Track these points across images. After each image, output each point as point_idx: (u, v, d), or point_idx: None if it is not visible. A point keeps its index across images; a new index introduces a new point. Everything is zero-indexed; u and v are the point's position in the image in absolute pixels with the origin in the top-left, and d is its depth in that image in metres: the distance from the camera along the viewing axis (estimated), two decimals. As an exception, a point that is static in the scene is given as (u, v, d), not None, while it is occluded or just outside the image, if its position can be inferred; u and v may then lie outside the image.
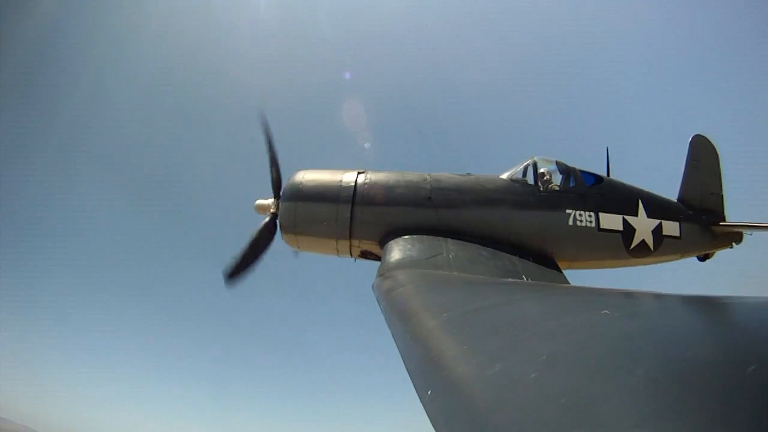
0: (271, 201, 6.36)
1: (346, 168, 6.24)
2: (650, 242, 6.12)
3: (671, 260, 6.71)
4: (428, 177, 6.04)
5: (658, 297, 2.03)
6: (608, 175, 6.55)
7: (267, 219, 6.33)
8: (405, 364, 2.04)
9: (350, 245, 5.84)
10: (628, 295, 2.13)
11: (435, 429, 1.41)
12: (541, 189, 6.03)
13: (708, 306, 1.77)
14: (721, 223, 6.99)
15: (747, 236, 6.99)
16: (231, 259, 6.13)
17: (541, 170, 6.21)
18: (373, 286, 4.23)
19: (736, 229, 6.97)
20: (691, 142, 7.65)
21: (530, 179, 6.13)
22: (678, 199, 7.11)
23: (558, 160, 6.33)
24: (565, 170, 6.23)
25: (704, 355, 1.25)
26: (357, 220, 5.72)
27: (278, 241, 6.32)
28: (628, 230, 5.99)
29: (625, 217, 6.02)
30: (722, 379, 1.08)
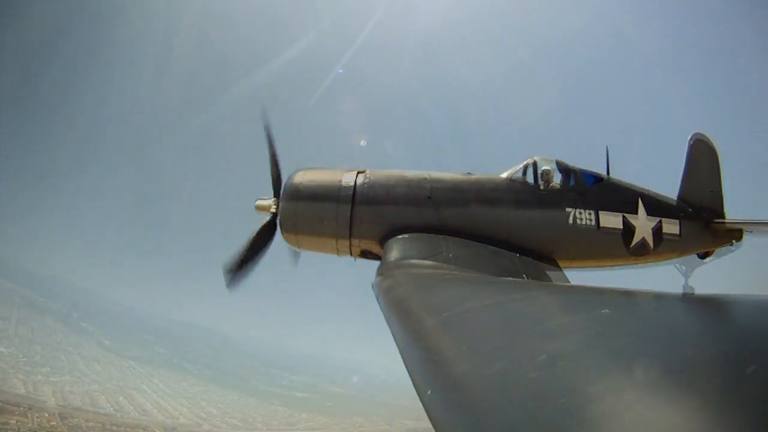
0: (271, 200, 6.36)
1: (346, 167, 6.24)
2: (650, 241, 6.12)
3: (671, 259, 6.72)
4: (428, 176, 6.03)
5: (659, 296, 2.03)
6: (608, 174, 6.54)
7: (267, 218, 6.33)
8: (405, 362, 2.04)
9: (350, 244, 5.84)
10: (628, 294, 2.13)
11: (435, 428, 1.40)
12: (541, 188, 6.02)
13: (708, 305, 1.77)
14: (720, 221, 7.00)
15: (747, 234, 6.99)
16: (230, 260, 6.13)
17: (541, 169, 6.19)
18: (372, 285, 4.24)
19: (736, 227, 6.98)
20: (690, 140, 7.65)
21: (530, 178, 6.12)
22: (678, 198, 7.11)
23: (558, 159, 6.32)
24: (565, 169, 6.23)
25: (705, 354, 1.25)
26: (357, 219, 5.72)
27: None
28: (628, 229, 5.99)
29: (625, 215, 6.02)
30: (723, 378, 1.08)
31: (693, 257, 6.99)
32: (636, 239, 6.03)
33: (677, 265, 6.85)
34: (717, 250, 7.09)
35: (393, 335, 2.52)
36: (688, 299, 1.87)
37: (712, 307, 1.75)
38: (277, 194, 6.29)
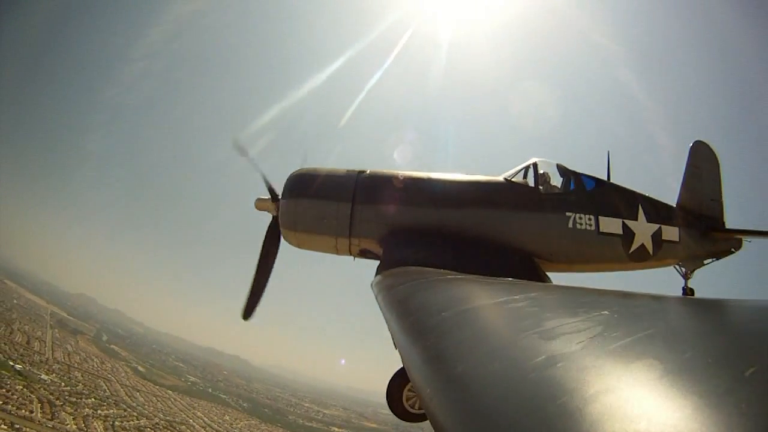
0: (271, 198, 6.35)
1: (347, 167, 6.25)
2: (649, 247, 6.12)
3: (670, 265, 6.72)
4: (428, 177, 6.04)
5: (658, 299, 2.04)
6: (608, 179, 6.54)
7: (270, 222, 6.37)
8: (404, 362, 2.04)
9: (350, 243, 5.84)
10: (627, 296, 2.13)
11: (433, 426, 1.40)
12: (542, 191, 6.02)
13: (707, 308, 1.78)
14: (720, 229, 7.00)
15: (746, 243, 7.00)
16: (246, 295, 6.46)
17: (542, 172, 6.19)
18: (372, 284, 4.23)
19: (735, 236, 6.98)
20: (691, 148, 7.65)
21: (531, 181, 6.12)
22: (677, 205, 7.11)
23: (558, 162, 6.33)
24: (566, 173, 6.22)
25: (704, 357, 1.25)
26: (357, 218, 5.72)
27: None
28: (628, 234, 5.98)
29: (625, 221, 6.01)
30: (722, 381, 1.08)
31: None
32: (635, 245, 6.02)
33: (677, 266, 6.85)
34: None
35: (392, 334, 2.51)
36: (687, 302, 1.88)
37: (711, 310, 1.76)
38: (274, 198, 6.30)
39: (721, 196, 7.37)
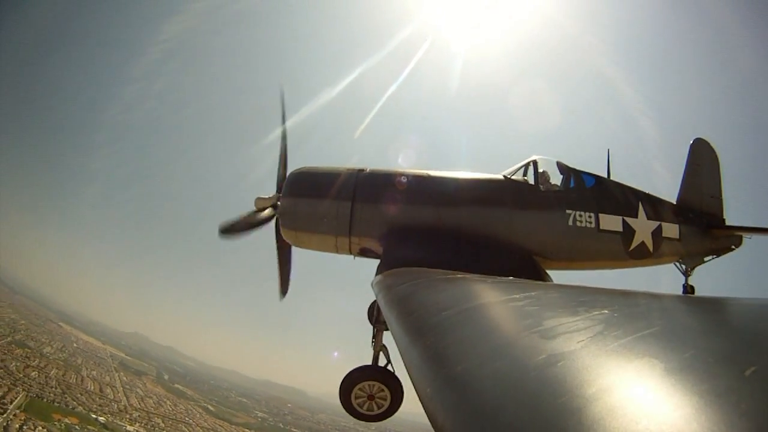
0: (272, 196, 6.34)
1: (347, 166, 6.24)
2: (650, 244, 6.12)
3: (670, 262, 6.72)
4: (428, 175, 6.03)
5: (658, 297, 2.04)
6: (608, 176, 6.53)
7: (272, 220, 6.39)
8: (404, 361, 2.04)
9: (350, 242, 5.83)
10: (627, 295, 2.14)
11: (433, 426, 1.40)
12: (542, 189, 6.02)
13: (708, 306, 1.78)
14: (720, 227, 7.01)
15: (746, 240, 7.00)
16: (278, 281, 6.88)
17: (542, 170, 6.19)
18: (372, 284, 4.24)
19: (735, 233, 6.98)
20: (691, 145, 7.66)
21: (531, 179, 6.12)
22: (677, 202, 7.11)
23: (558, 160, 6.32)
24: (566, 171, 6.21)
25: (704, 355, 1.25)
26: (357, 217, 5.71)
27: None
28: (628, 232, 5.98)
29: (625, 218, 6.01)
30: (722, 380, 1.08)
31: None
32: (635, 242, 6.02)
33: (677, 264, 6.87)
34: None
35: (392, 333, 2.52)
36: (688, 300, 1.88)
37: (711, 308, 1.76)
38: (279, 192, 6.28)
39: (721, 193, 7.38)
